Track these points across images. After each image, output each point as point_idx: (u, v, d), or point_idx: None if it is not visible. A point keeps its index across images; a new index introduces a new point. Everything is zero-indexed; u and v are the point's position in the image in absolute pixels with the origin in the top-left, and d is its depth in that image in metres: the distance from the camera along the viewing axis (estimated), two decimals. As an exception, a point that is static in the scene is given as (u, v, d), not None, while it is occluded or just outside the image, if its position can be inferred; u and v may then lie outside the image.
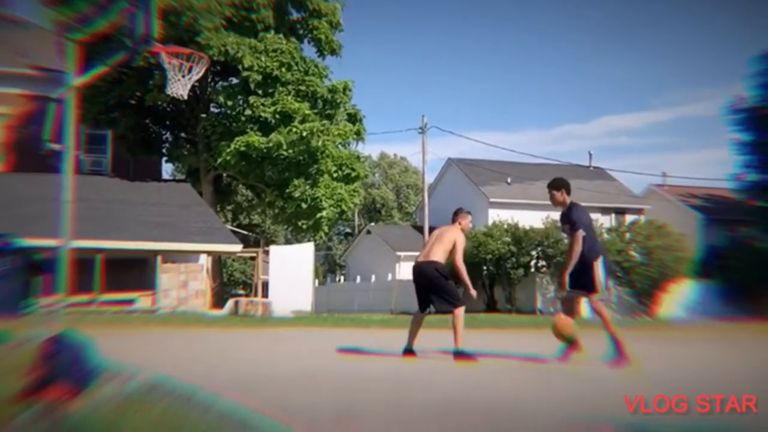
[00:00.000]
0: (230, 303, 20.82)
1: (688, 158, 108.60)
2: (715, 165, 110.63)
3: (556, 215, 27.33)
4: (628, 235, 27.15)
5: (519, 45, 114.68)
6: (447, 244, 8.16)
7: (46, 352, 4.56)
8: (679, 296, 26.38)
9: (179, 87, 8.86)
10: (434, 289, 8.14)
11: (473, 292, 8.14)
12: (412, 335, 8.34)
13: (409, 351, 8.25)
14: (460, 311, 7.92)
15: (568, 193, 7.94)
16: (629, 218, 33.63)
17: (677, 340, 13.43)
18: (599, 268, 7.59)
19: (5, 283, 8.01)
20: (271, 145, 24.76)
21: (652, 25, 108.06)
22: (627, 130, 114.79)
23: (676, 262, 25.93)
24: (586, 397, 5.71)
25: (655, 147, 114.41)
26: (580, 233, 7.57)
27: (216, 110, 27.76)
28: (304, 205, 25.91)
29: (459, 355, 7.79)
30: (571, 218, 7.68)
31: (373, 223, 61.50)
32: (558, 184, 7.97)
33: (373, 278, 36.78)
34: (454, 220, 8.49)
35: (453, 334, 7.91)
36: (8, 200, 20.25)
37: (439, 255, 8.12)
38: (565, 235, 8.87)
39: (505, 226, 27.78)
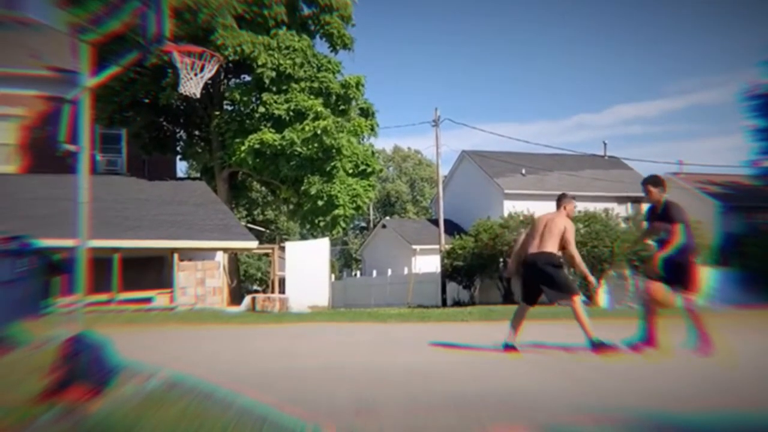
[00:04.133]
0: (247, 299, 20.89)
1: (704, 145, 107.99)
2: (731, 152, 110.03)
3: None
4: (645, 223, 26.91)
5: (529, 35, 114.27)
6: (557, 233, 7.91)
7: (66, 352, 4.59)
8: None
9: (192, 85, 8.87)
10: (549, 280, 7.84)
11: (592, 280, 8.16)
12: (515, 329, 7.99)
13: (510, 346, 7.87)
14: (578, 300, 7.69)
15: (664, 190, 8.15)
16: (645, 207, 33.38)
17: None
18: (698, 267, 7.79)
19: (24, 284, 8.05)
20: (285, 142, 24.81)
21: (663, 11, 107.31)
22: (640, 118, 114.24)
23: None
24: (603, 387, 5.69)
25: (670, 135, 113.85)
26: (679, 226, 7.74)
27: (229, 107, 27.79)
28: (320, 203, 25.90)
29: (596, 346, 7.52)
30: (669, 215, 7.91)
31: (388, 217, 61.46)
32: (655, 181, 8.24)
33: (390, 272, 36.74)
34: (558, 206, 8.31)
35: (580, 326, 7.66)
36: (25, 201, 20.38)
37: (551, 245, 7.88)
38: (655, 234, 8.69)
39: (521, 218, 27.63)
